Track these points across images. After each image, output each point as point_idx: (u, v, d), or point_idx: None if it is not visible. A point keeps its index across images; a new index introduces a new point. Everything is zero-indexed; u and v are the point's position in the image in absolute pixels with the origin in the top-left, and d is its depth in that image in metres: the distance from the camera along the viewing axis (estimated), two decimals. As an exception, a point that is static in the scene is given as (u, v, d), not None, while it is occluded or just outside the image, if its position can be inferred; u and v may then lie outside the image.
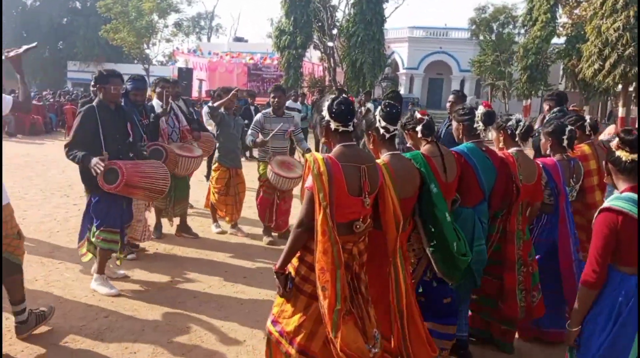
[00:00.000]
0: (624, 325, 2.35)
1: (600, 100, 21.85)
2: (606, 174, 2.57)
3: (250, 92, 9.57)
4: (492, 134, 3.72)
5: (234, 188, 6.08)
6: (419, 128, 3.25)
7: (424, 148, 3.25)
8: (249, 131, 5.71)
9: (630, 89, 15.90)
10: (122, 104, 4.59)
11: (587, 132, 4.22)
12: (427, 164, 3.08)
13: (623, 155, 2.42)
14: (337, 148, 2.65)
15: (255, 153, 6.17)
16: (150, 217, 5.63)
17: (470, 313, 3.72)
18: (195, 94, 22.95)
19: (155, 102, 5.70)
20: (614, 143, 2.47)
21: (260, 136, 5.65)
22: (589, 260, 2.45)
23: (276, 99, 5.79)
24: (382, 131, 2.89)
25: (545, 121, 4.98)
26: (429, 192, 3.03)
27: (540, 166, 3.69)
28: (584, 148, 4.18)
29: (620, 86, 16.12)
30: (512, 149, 3.61)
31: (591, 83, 18.71)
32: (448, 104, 5.63)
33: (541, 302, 3.62)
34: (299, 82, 24.08)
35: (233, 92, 6.08)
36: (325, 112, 2.65)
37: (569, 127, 3.84)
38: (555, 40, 22.45)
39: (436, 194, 3.03)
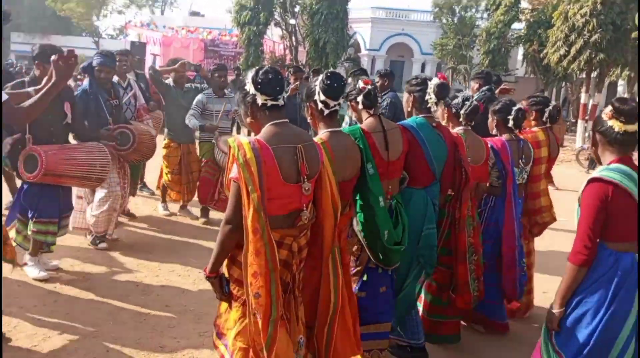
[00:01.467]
0: (620, 307, 2.25)
1: (557, 86, 21.95)
2: (591, 146, 2.47)
3: (196, 67, 9.12)
4: (437, 111, 3.49)
5: (187, 167, 5.84)
6: (359, 98, 2.95)
7: (365, 122, 2.96)
8: (190, 111, 5.50)
9: (593, 75, 15.81)
10: (86, 82, 4.38)
11: (544, 119, 4.08)
12: (365, 140, 2.80)
13: (616, 125, 2.29)
14: (266, 128, 2.25)
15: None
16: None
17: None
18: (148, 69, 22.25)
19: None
20: (606, 112, 2.33)
21: (197, 121, 5.51)
22: (579, 235, 2.31)
23: (222, 79, 5.65)
24: (320, 105, 2.55)
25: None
26: (364, 173, 2.75)
27: (489, 146, 3.55)
28: (539, 133, 4.03)
29: (584, 73, 16.05)
30: (459, 129, 3.42)
31: (551, 69, 18.71)
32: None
33: (481, 284, 3.50)
34: (260, 61, 23.17)
35: (180, 62, 5.87)
36: (249, 86, 2.25)
37: (517, 107, 3.73)
38: (514, 25, 22.35)
39: (372, 176, 2.76)
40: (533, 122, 4.09)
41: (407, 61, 29.04)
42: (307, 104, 2.67)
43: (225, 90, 5.76)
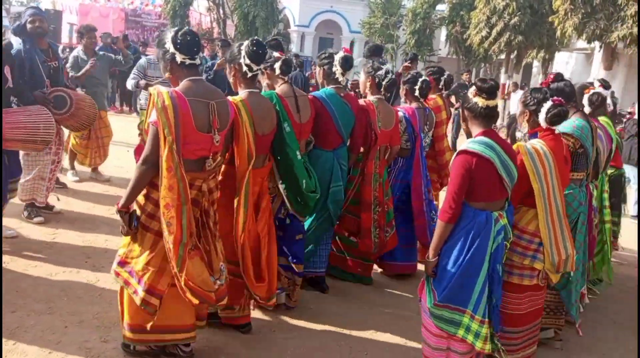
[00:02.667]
0: (474, 256, 2.63)
1: (477, 67, 22.85)
2: (462, 121, 2.83)
3: (113, 39, 8.82)
4: (361, 78, 3.95)
5: (96, 132, 5.81)
6: (277, 65, 3.33)
7: (279, 88, 3.35)
8: (131, 75, 5.67)
9: (512, 56, 16.63)
10: (22, 42, 4.28)
11: (440, 86, 4.76)
12: (281, 103, 3.19)
13: (480, 101, 2.65)
14: (184, 83, 2.57)
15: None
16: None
17: (332, 251, 4.01)
18: (64, 39, 21.08)
19: (14, 39, 5.14)
20: (471, 91, 2.70)
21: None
22: (447, 197, 2.67)
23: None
24: (244, 68, 2.91)
25: None
26: (282, 130, 3.14)
27: (400, 113, 4.03)
28: (437, 99, 4.65)
29: (504, 54, 16.83)
30: (374, 97, 3.85)
31: (473, 50, 19.45)
32: None
33: (394, 236, 4.00)
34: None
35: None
36: (169, 44, 2.54)
37: (423, 78, 4.26)
38: (438, 7, 23.02)
39: (289, 133, 3.16)
40: (431, 91, 4.65)
41: (335, 38, 29.13)
42: (231, 65, 3.00)
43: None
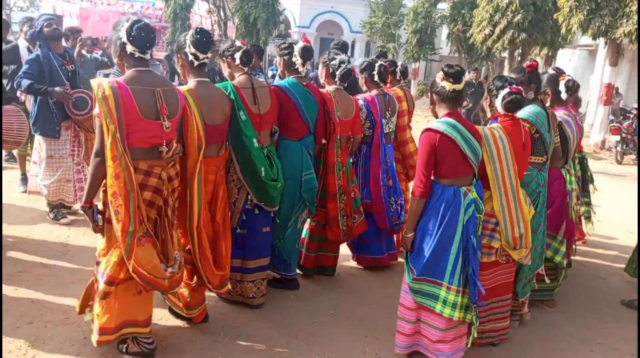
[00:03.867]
0: (446, 229, 2.82)
1: (479, 65, 22.73)
2: (430, 105, 3.04)
3: (93, 41, 8.74)
4: (319, 68, 4.03)
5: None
6: (237, 55, 3.36)
7: (237, 79, 3.40)
8: (110, 76, 5.76)
9: (515, 54, 16.53)
10: (40, 47, 4.41)
11: (398, 77, 4.83)
12: (236, 93, 3.24)
13: (447, 85, 2.85)
14: (128, 72, 2.62)
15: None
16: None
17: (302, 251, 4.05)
18: (65, 44, 20.86)
19: (22, 43, 5.42)
20: (439, 76, 2.90)
21: None
22: (417, 174, 2.88)
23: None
24: (190, 57, 2.95)
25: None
26: (237, 119, 3.21)
27: (360, 102, 4.09)
28: (397, 90, 4.71)
29: (507, 52, 16.73)
30: (331, 87, 3.90)
31: (475, 48, 19.36)
32: None
33: (362, 222, 4.04)
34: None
35: (79, 44, 5.54)
36: (122, 33, 2.58)
37: (379, 62, 4.35)
38: (440, 5, 22.94)
39: (244, 121, 3.23)
40: (389, 85, 4.75)
41: (336, 38, 28.99)
42: (178, 55, 3.05)
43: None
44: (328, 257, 4.16)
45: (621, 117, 13.64)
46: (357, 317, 3.64)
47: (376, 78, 4.31)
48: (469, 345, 3.02)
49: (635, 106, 18.30)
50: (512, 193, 3.09)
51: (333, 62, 3.88)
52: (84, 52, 6.04)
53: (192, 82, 3.03)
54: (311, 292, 3.96)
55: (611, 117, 13.58)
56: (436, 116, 3.00)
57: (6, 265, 3.83)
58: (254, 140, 3.24)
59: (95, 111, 2.50)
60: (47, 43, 4.52)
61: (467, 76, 12.07)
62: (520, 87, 3.19)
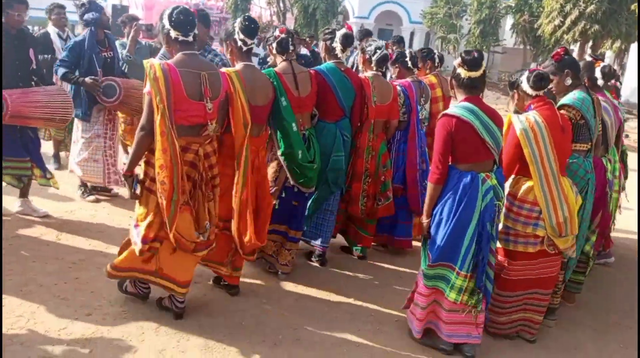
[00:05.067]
0: (462, 214, 2.84)
1: (545, 57, 21.68)
2: (451, 88, 3.07)
3: (148, 26, 8.76)
4: (358, 57, 4.18)
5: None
6: (274, 44, 3.57)
7: (279, 66, 3.58)
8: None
9: (587, 46, 15.64)
10: (85, 34, 4.59)
11: (436, 64, 4.89)
12: (278, 79, 3.44)
13: (462, 72, 2.88)
14: (177, 56, 2.83)
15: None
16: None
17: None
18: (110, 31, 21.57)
19: (51, 29, 5.62)
20: (456, 62, 2.92)
21: None
22: (433, 160, 2.91)
23: (203, 36, 6.03)
24: (239, 43, 3.17)
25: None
26: (278, 104, 3.42)
27: (398, 87, 4.16)
28: (431, 77, 4.76)
29: (577, 44, 15.86)
30: (369, 73, 4.00)
31: (541, 40, 18.48)
32: None
33: (389, 205, 4.14)
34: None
35: (134, 29, 5.55)
36: (165, 21, 2.79)
37: (409, 50, 4.52)
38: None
39: (285, 107, 3.43)
40: (427, 71, 4.84)
41: (395, 29, 28.51)
42: (227, 42, 3.27)
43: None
44: (355, 233, 4.31)
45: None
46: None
47: (409, 64, 4.42)
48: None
49: None
50: (553, 177, 3.05)
51: (369, 49, 3.98)
52: (139, 39, 6.14)
53: (239, 65, 3.23)
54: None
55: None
56: (456, 97, 3.05)
57: (67, 251, 3.91)
58: (293, 124, 3.44)
59: (146, 89, 2.71)
60: (96, 30, 4.63)
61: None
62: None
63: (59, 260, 3.76)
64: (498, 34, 22.54)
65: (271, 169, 3.66)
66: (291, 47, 3.61)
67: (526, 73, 3.11)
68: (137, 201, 2.97)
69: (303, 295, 3.67)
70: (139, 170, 2.94)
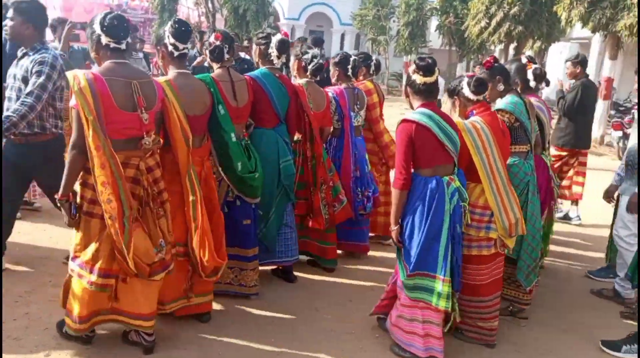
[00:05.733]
0: (433, 220, 2.85)
1: (469, 58, 22.55)
2: (405, 96, 3.08)
3: (83, 25, 8.24)
4: (291, 61, 4.07)
5: None
6: (208, 51, 3.41)
7: (215, 72, 3.43)
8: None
9: (511, 47, 16.34)
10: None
11: (371, 71, 4.83)
12: (215, 86, 3.26)
13: (418, 78, 2.89)
14: (104, 64, 2.65)
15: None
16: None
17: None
18: (49, 36, 20.28)
19: None
20: (411, 68, 2.93)
21: None
22: (396, 165, 2.91)
23: (132, 40, 5.71)
24: (170, 47, 2.97)
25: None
26: (216, 113, 3.22)
27: (330, 94, 4.13)
28: (367, 83, 4.74)
29: (502, 45, 16.54)
30: (303, 80, 3.94)
31: (466, 41, 19.16)
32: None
33: (345, 209, 4.12)
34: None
35: (67, 28, 5.34)
36: (96, 26, 2.61)
37: (353, 57, 4.38)
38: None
39: (223, 116, 3.24)
40: (361, 78, 4.78)
41: (326, 31, 28.73)
42: (158, 47, 3.08)
43: (133, 52, 5.97)
44: (317, 247, 4.19)
45: (613, 111, 13.52)
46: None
47: (350, 72, 4.36)
48: (445, 331, 3.07)
49: (631, 99, 18.29)
50: (502, 180, 3.12)
51: (306, 57, 3.92)
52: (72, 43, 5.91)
53: (171, 73, 3.03)
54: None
55: (612, 112, 13.46)
56: (412, 107, 3.03)
57: (11, 282, 3.53)
58: (232, 134, 3.27)
59: (72, 103, 2.51)
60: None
61: (476, 70, 11.79)
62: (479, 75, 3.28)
63: (3, 293, 3.34)
64: (426, 36, 23.20)
65: None
66: (227, 56, 3.44)
67: (465, 79, 3.14)
68: (74, 229, 2.68)
69: (277, 317, 3.47)
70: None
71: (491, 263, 3.21)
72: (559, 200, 5.52)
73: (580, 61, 5.86)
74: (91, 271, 2.58)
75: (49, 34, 5.12)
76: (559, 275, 4.64)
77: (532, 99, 3.86)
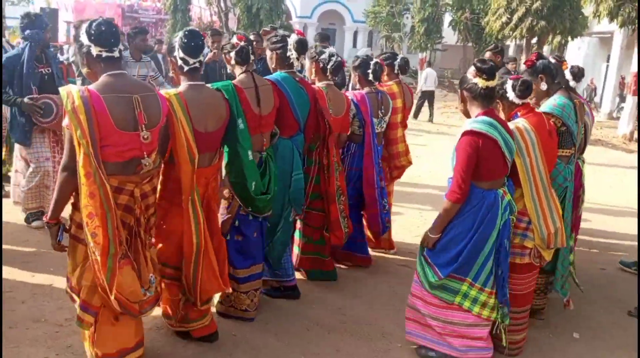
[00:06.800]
0: (483, 233, 2.74)
1: (484, 55, 22.21)
2: (460, 102, 2.87)
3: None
4: (306, 65, 3.79)
5: None
6: (232, 54, 3.13)
7: (238, 78, 3.15)
8: None
9: (533, 41, 16.01)
10: (29, 48, 4.22)
11: (396, 72, 4.47)
12: (236, 96, 2.97)
13: (480, 82, 2.70)
14: (101, 79, 2.38)
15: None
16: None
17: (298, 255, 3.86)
18: (62, 38, 20.53)
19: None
20: (471, 71, 2.74)
21: None
22: (455, 178, 2.74)
23: (143, 42, 5.70)
24: (179, 62, 2.71)
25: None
26: (234, 127, 2.95)
27: (350, 98, 3.86)
28: (393, 86, 4.40)
29: (523, 40, 16.22)
30: (322, 83, 3.69)
31: (483, 37, 18.87)
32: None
33: (350, 222, 3.84)
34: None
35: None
36: (83, 38, 2.35)
37: (374, 60, 4.09)
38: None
39: (242, 131, 2.97)
40: (386, 78, 4.43)
41: (338, 29, 28.44)
42: (169, 58, 2.80)
43: (143, 54, 5.70)
44: (324, 262, 3.94)
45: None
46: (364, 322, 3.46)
47: (371, 77, 4.06)
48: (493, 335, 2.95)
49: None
50: (543, 187, 2.97)
51: (323, 57, 3.66)
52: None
53: (183, 85, 2.76)
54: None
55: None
56: (467, 115, 2.84)
57: (49, 310, 3.24)
58: (249, 152, 3.00)
59: (65, 122, 2.27)
60: (35, 47, 4.32)
61: (509, 66, 11.45)
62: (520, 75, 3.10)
63: (41, 322, 3.07)
64: (441, 32, 22.88)
65: (223, 194, 3.19)
66: (252, 57, 3.18)
67: (510, 82, 2.95)
68: (55, 250, 2.50)
69: (283, 336, 3.18)
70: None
71: (525, 273, 3.07)
72: None
73: (500, 51, 5.90)
74: (78, 297, 2.46)
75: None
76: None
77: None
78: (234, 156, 3.02)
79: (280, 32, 3.61)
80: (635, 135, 12.76)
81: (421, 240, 2.95)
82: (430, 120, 13.68)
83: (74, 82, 5.71)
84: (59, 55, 5.26)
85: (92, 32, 2.31)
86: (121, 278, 2.34)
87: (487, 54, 5.72)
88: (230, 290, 3.07)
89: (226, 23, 23.28)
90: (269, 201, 3.16)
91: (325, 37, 6.16)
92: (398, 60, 4.46)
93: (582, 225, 5.19)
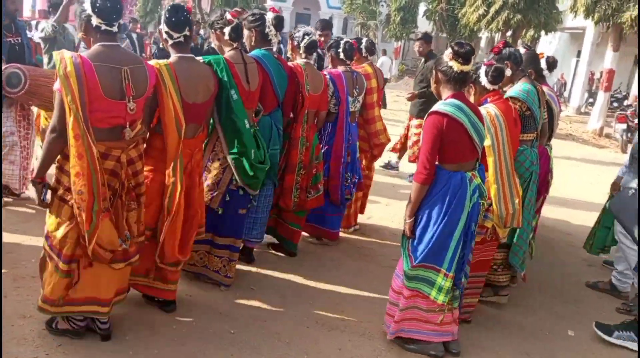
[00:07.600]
0: (451, 216, 2.76)
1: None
2: (433, 83, 2.88)
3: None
4: (288, 44, 3.91)
5: None
6: (226, 30, 3.22)
7: (228, 53, 3.25)
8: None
9: (508, 34, 16.14)
10: None
11: (364, 54, 4.64)
12: (228, 69, 3.09)
13: (455, 65, 2.71)
14: (94, 47, 2.49)
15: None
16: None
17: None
18: (26, 13, 19.80)
19: None
20: (447, 54, 2.73)
21: None
22: (420, 158, 2.77)
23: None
24: (165, 36, 2.84)
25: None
26: (228, 98, 3.06)
27: (327, 77, 3.96)
28: (367, 67, 4.58)
29: (498, 33, 16.33)
30: (301, 60, 3.79)
31: (457, 28, 18.96)
32: None
33: (319, 198, 3.99)
34: (159, 8, 20.92)
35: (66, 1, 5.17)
36: (87, 5, 2.44)
37: (344, 40, 4.22)
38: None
39: (236, 101, 3.08)
40: (356, 62, 4.57)
41: (313, 14, 28.08)
42: (160, 29, 2.90)
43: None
44: (286, 229, 4.07)
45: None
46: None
47: (342, 56, 4.20)
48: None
49: (621, 90, 18.40)
50: (507, 171, 3.09)
51: (297, 35, 3.79)
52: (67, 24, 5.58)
53: (173, 57, 2.88)
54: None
55: (614, 104, 13.41)
56: (439, 96, 2.88)
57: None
58: (245, 121, 3.11)
59: (56, 86, 2.40)
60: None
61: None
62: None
63: (27, 318, 2.90)
64: (417, 22, 22.88)
65: (214, 171, 3.28)
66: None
67: (483, 68, 3.07)
68: (47, 211, 2.61)
69: (241, 304, 3.30)
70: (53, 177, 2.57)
71: (477, 246, 3.14)
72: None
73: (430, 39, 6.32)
74: (58, 256, 2.57)
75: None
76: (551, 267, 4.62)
77: (545, 89, 3.82)
78: (231, 128, 3.12)
79: (256, 10, 3.69)
80: (605, 131, 13.06)
81: (403, 229, 2.99)
82: (384, 106, 13.75)
83: (41, 61, 5.40)
84: (27, 31, 4.93)
85: (98, 3, 2.41)
86: (101, 230, 2.48)
87: (417, 43, 6.17)
88: (184, 260, 3.09)
89: (199, 4, 22.75)
90: (265, 171, 3.29)
91: (327, 26, 6.09)
92: (364, 42, 4.66)
93: (569, 223, 5.28)
